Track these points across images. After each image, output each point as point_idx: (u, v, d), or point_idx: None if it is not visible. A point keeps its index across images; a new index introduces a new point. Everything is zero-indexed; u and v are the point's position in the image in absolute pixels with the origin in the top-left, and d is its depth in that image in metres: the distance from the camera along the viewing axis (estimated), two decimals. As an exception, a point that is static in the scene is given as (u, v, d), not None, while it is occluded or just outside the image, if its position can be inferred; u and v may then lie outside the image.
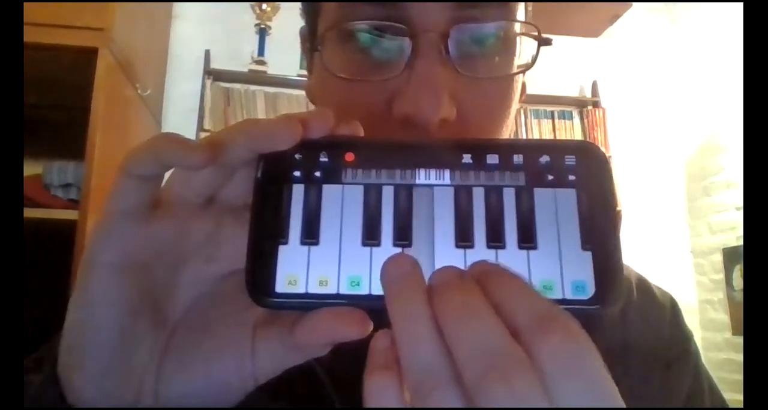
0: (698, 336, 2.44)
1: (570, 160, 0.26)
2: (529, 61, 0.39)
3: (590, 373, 0.19)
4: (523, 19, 0.39)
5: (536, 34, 0.38)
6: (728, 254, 2.39)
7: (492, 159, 0.26)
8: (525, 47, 0.39)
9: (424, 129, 0.34)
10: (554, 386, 0.19)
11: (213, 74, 2.28)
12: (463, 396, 0.19)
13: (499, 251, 0.25)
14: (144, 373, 0.26)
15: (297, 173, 0.26)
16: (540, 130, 2.51)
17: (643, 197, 2.57)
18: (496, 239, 0.25)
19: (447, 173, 0.26)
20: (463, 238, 0.25)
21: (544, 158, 0.26)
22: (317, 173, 0.26)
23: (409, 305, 0.21)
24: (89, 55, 1.48)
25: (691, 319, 2.46)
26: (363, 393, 0.21)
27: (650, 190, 2.62)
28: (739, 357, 2.26)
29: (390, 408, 0.21)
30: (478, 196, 0.26)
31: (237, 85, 2.31)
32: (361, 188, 0.26)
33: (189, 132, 2.16)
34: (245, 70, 2.30)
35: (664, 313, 0.47)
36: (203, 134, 2.16)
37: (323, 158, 0.27)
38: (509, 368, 0.19)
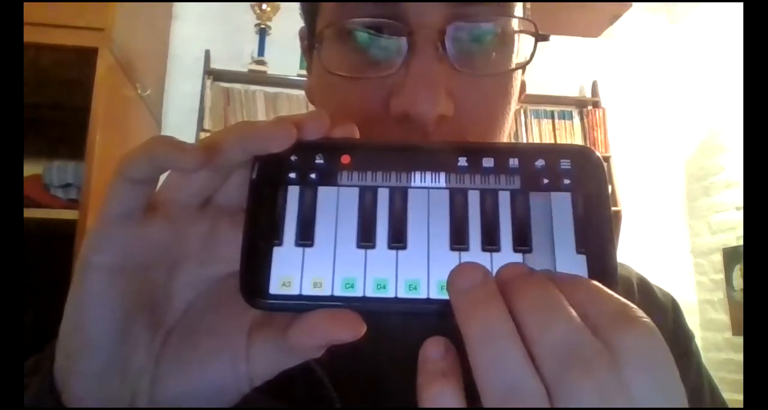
0: (698, 336, 2.43)
1: (565, 164, 0.26)
2: (528, 58, 0.39)
3: (667, 368, 0.19)
4: (519, 17, 0.39)
5: (533, 30, 0.38)
6: (728, 254, 2.39)
7: (488, 162, 0.26)
8: (524, 45, 0.39)
9: (422, 126, 0.33)
10: (633, 380, 0.19)
11: (213, 74, 2.28)
12: None
13: (494, 254, 0.25)
14: (140, 375, 0.26)
15: (292, 175, 0.26)
16: (540, 130, 2.51)
17: (643, 197, 2.57)
18: (491, 242, 0.25)
19: (442, 175, 0.26)
20: (458, 241, 0.25)
21: (540, 162, 0.26)
22: (312, 175, 0.26)
23: (490, 321, 0.20)
24: (89, 55, 1.48)
25: (691, 319, 2.45)
26: (419, 403, 0.20)
27: (650, 190, 2.62)
28: (739, 357, 2.26)
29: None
30: (474, 199, 0.26)
31: (237, 85, 2.31)
32: (356, 190, 0.26)
33: (189, 132, 2.16)
34: (245, 70, 2.30)
35: (665, 314, 0.47)
36: (203, 134, 2.16)
37: (319, 160, 0.26)
38: (593, 362, 0.19)
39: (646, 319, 0.20)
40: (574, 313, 0.20)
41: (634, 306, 0.20)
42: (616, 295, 0.21)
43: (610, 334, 0.19)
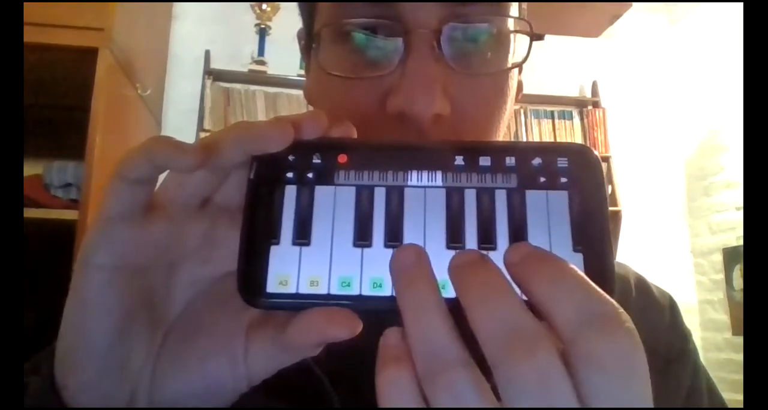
0: (698, 336, 2.44)
1: (562, 162, 0.26)
2: (524, 57, 0.39)
3: (637, 376, 0.19)
4: (515, 17, 0.39)
5: (529, 30, 0.38)
6: (728, 254, 2.39)
7: (484, 161, 0.26)
8: (520, 45, 0.40)
9: (418, 125, 0.34)
10: (588, 382, 0.18)
11: (213, 74, 2.28)
12: (475, 379, 0.19)
13: (490, 253, 0.25)
14: (139, 374, 0.26)
15: (290, 175, 0.26)
16: (540, 130, 2.51)
17: (643, 197, 2.57)
18: (487, 240, 0.25)
19: (439, 174, 0.26)
20: (454, 239, 0.25)
21: (537, 160, 0.26)
22: (310, 175, 0.26)
23: (417, 291, 0.21)
24: (89, 55, 1.48)
25: (691, 319, 2.46)
26: (376, 388, 0.21)
27: (650, 190, 2.62)
28: (739, 357, 2.26)
29: (404, 408, 0.20)
30: (470, 198, 0.26)
31: (237, 85, 2.31)
32: (353, 189, 0.26)
33: (189, 132, 2.16)
34: (245, 70, 2.30)
35: (662, 313, 0.47)
36: (203, 134, 2.15)
37: (316, 160, 0.27)
38: (533, 341, 0.19)
39: (629, 325, 0.19)
40: (517, 298, 0.20)
41: (618, 308, 0.20)
42: (598, 294, 0.20)
43: (582, 336, 0.19)
